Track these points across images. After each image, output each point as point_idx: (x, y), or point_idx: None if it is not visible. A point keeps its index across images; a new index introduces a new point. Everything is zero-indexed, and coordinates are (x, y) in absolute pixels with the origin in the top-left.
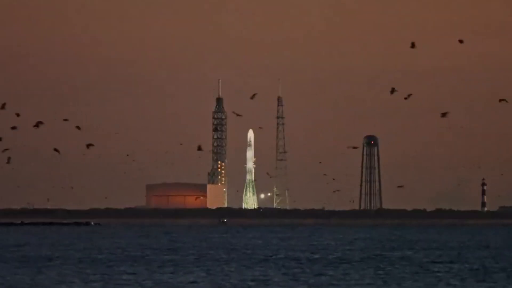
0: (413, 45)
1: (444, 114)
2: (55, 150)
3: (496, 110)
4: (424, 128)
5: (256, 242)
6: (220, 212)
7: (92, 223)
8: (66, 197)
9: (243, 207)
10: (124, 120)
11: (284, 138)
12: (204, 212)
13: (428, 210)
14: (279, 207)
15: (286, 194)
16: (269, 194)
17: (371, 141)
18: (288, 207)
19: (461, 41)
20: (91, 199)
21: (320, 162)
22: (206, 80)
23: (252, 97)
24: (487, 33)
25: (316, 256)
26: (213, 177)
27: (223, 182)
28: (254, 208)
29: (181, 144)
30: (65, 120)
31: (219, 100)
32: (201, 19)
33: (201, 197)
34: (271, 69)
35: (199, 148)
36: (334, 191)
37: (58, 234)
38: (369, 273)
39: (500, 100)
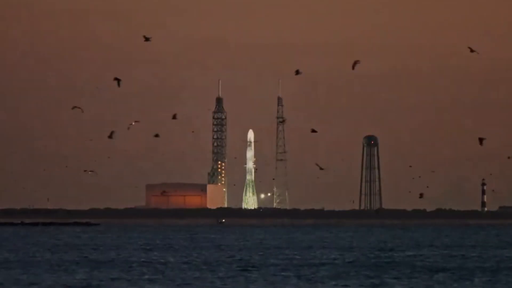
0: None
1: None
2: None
3: (496, 110)
4: (424, 128)
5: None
6: (220, 212)
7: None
8: (66, 197)
9: (243, 207)
10: (124, 120)
11: (284, 138)
12: (204, 212)
13: (428, 210)
14: (279, 207)
15: (286, 194)
16: (269, 194)
17: (371, 141)
18: (288, 207)
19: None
20: (91, 199)
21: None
22: (206, 80)
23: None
24: (487, 34)
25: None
26: (213, 177)
27: (223, 182)
28: (254, 208)
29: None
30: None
31: (219, 100)
32: (201, 20)
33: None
34: (271, 69)
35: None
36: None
37: None
38: None
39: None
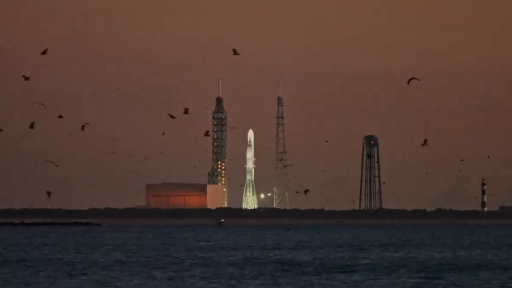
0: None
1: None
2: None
3: (496, 110)
4: (424, 128)
5: None
6: (220, 212)
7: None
8: (66, 197)
9: (243, 207)
10: (124, 121)
11: (284, 138)
12: (204, 212)
13: (428, 210)
14: (279, 207)
15: (286, 194)
16: (269, 194)
17: (371, 141)
18: (288, 207)
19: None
20: (91, 199)
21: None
22: (206, 80)
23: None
24: (487, 33)
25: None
26: (213, 177)
27: (223, 182)
28: (254, 208)
29: (163, 133)
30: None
31: (219, 100)
32: (201, 20)
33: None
34: (271, 69)
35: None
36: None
37: None
38: None
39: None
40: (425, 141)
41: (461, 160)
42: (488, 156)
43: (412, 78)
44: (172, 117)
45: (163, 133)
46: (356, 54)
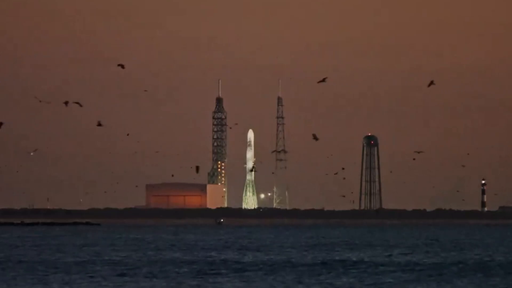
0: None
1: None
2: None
3: (496, 110)
4: (425, 128)
5: None
6: (220, 212)
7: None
8: (66, 197)
9: (243, 207)
10: (125, 121)
11: (284, 138)
12: (204, 212)
13: (428, 210)
14: (279, 207)
15: (286, 194)
16: (269, 194)
17: (371, 141)
18: (288, 207)
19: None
20: (91, 199)
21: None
22: (206, 80)
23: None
24: (487, 33)
25: None
26: (213, 177)
27: (223, 182)
28: (254, 208)
29: (128, 134)
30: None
31: (219, 100)
32: (201, 20)
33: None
34: (271, 69)
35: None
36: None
37: None
38: None
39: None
40: (314, 136)
41: (413, 159)
42: (463, 165)
43: (322, 80)
44: (100, 125)
45: (127, 134)
46: (356, 54)
